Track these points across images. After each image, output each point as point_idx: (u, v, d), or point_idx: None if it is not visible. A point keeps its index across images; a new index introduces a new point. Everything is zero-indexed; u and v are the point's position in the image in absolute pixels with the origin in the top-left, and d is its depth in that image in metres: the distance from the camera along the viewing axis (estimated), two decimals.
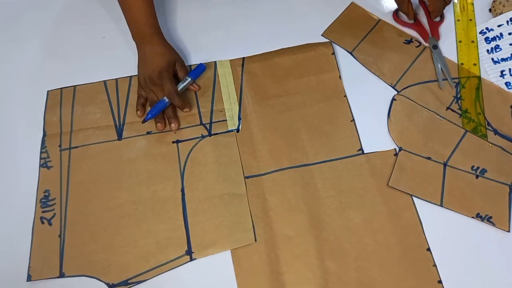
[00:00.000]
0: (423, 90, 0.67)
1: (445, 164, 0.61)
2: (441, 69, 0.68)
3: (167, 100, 0.64)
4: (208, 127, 0.65)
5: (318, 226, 0.57)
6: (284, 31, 0.74)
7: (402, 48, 0.72)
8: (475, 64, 0.69)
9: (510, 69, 0.68)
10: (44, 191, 0.61)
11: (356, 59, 0.71)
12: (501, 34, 0.71)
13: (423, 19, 0.74)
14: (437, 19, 0.74)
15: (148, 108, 0.66)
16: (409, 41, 0.72)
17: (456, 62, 0.70)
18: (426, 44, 0.71)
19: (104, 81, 0.70)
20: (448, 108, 0.66)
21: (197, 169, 0.62)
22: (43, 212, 0.60)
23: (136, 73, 0.69)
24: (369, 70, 0.70)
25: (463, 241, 0.57)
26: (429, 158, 0.62)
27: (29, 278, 0.55)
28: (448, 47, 0.71)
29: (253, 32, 0.74)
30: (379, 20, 0.75)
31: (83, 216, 0.59)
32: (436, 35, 0.72)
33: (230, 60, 0.71)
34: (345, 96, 0.67)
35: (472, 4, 0.75)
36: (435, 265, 0.55)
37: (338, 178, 0.61)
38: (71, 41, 0.75)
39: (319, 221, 0.58)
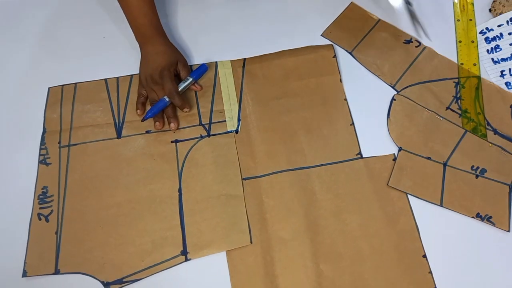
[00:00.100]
0: (423, 90, 0.67)
1: (445, 164, 0.61)
2: (414, 24, 0.69)
3: (167, 99, 0.64)
4: (207, 128, 0.65)
5: (314, 229, 0.57)
6: (284, 31, 0.74)
7: (402, 48, 0.71)
8: (475, 64, 0.69)
9: (510, 69, 0.68)
10: (42, 187, 0.61)
11: (355, 59, 0.71)
12: (501, 34, 0.70)
13: None
14: None
15: (148, 107, 0.66)
16: (409, 41, 0.72)
17: (456, 62, 0.70)
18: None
19: (105, 79, 0.70)
20: (448, 108, 0.65)
21: (195, 170, 0.62)
22: (40, 208, 0.60)
23: (137, 72, 0.69)
24: (369, 70, 0.70)
25: (462, 242, 0.56)
26: (429, 158, 0.61)
27: (24, 274, 0.56)
28: (448, 47, 0.71)
29: (254, 32, 0.74)
30: (379, 20, 0.75)
31: (80, 214, 0.59)
32: None
33: (231, 60, 0.71)
34: (345, 99, 0.67)
35: (472, 4, 0.75)
36: (430, 272, 0.54)
37: (336, 181, 0.60)
38: (72, 40, 0.75)
39: (315, 224, 0.57)
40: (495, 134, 0.63)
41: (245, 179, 0.61)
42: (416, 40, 0.72)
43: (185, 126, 0.66)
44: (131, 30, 0.68)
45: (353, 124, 0.65)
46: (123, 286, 0.55)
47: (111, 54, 0.73)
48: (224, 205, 0.59)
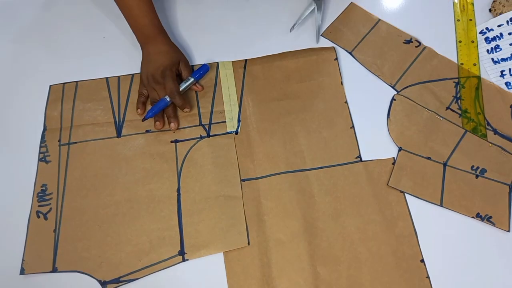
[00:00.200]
0: (422, 90, 0.67)
1: (445, 164, 0.61)
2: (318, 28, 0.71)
3: (168, 99, 0.64)
4: (207, 128, 0.65)
5: (311, 231, 0.57)
6: (285, 31, 0.74)
7: (402, 48, 0.71)
8: (475, 64, 0.69)
9: (510, 69, 0.67)
10: (42, 185, 0.61)
11: (355, 59, 0.71)
12: (501, 34, 0.70)
13: None
14: None
15: (149, 107, 0.66)
16: (409, 41, 0.72)
17: (456, 62, 0.69)
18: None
19: (106, 78, 0.70)
20: (447, 108, 0.65)
21: (194, 170, 0.62)
22: (39, 206, 0.60)
23: (138, 71, 0.69)
24: (369, 70, 0.70)
25: (462, 243, 0.56)
26: (429, 158, 0.61)
27: (22, 272, 0.56)
28: (448, 47, 0.71)
29: (254, 32, 0.74)
30: (379, 20, 0.74)
31: (78, 212, 0.59)
32: None
33: (232, 61, 0.71)
34: (346, 102, 0.66)
35: (472, 4, 0.75)
36: (428, 277, 0.54)
37: (335, 184, 0.60)
38: (74, 39, 0.75)
39: (313, 227, 0.57)
40: (495, 134, 0.63)
41: (243, 180, 0.61)
42: (416, 40, 0.72)
43: (185, 126, 0.65)
44: (131, 30, 0.68)
45: (353, 127, 0.64)
46: (120, 285, 0.55)
47: (112, 53, 0.73)
48: (222, 206, 0.59)
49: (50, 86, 0.70)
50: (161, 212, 0.59)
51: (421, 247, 0.56)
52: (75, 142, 0.64)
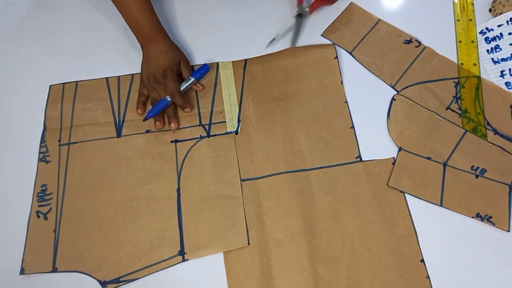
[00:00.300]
0: (422, 90, 0.67)
1: (445, 164, 0.60)
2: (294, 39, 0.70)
3: (169, 99, 0.64)
4: (207, 128, 0.65)
5: (311, 231, 0.56)
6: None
7: (402, 48, 0.71)
8: (475, 64, 0.68)
9: (510, 69, 0.67)
10: (42, 185, 0.61)
11: (355, 59, 0.70)
12: (501, 34, 0.70)
13: None
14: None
15: (149, 107, 0.66)
16: (409, 41, 0.71)
17: (456, 62, 0.69)
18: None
19: (106, 78, 0.70)
20: (447, 108, 0.65)
21: (194, 170, 0.61)
22: (39, 206, 0.60)
23: (139, 71, 0.69)
24: (369, 70, 0.69)
25: (461, 243, 0.56)
26: (429, 158, 0.61)
27: (22, 272, 0.55)
28: (448, 47, 0.70)
29: (254, 32, 0.74)
30: (379, 20, 0.74)
31: (78, 212, 0.59)
32: (311, 9, 0.72)
33: (232, 61, 0.71)
34: (346, 102, 0.66)
35: (472, 4, 0.74)
36: (428, 277, 0.54)
37: (334, 184, 0.60)
38: (74, 39, 0.75)
39: (313, 227, 0.57)
40: (495, 134, 0.63)
41: (243, 180, 0.60)
42: (416, 40, 0.71)
43: (185, 126, 0.65)
44: (131, 30, 0.68)
45: (353, 127, 0.64)
46: (120, 285, 0.54)
47: (112, 54, 0.73)
48: (222, 206, 0.58)
49: (50, 86, 0.69)
50: (161, 212, 0.58)
51: (421, 247, 0.55)
52: (75, 142, 0.64)
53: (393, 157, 0.61)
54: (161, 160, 0.62)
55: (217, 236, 0.57)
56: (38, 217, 0.59)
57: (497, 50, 0.69)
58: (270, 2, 0.77)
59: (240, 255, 0.56)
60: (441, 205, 0.58)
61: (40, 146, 0.64)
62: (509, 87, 0.66)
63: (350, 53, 0.71)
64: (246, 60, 0.71)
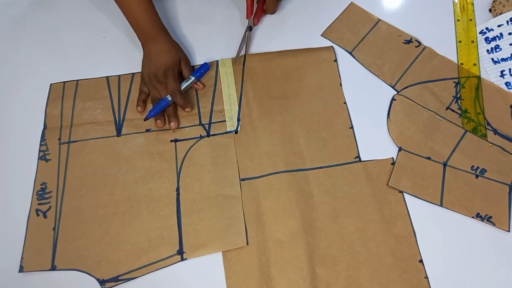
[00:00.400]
0: (422, 90, 0.66)
1: (445, 164, 0.60)
2: (243, 49, 0.70)
3: (169, 98, 0.64)
4: (207, 128, 0.64)
5: (310, 231, 0.56)
6: (285, 30, 0.73)
7: (402, 48, 0.70)
8: (475, 64, 0.68)
9: (510, 69, 0.66)
10: (41, 183, 0.61)
11: (355, 59, 0.70)
12: (501, 34, 0.69)
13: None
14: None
15: (149, 105, 0.66)
16: (409, 41, 0.71)
17: (456, 62, 0.68)
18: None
19: (107, 77, 0.69)
20: (447, 108, 0.64)
21: (194, 169, 0.61)
22: (39, 204, 0.59)
23: (139, 71, 0.68)
24: (369, 70, 0.69)
25: (461, 243, 0.55)
26: (429, 158, 0.60)
27: (21, 269, 0.55)
28: (448, 47, 0.70)
29: (254, 31, 0.73)
30: (379, 20, 0.73)
31: (78, 211, 0.58)
32: (256, 20, 0.72)
33: (232, 58, 0.70)
34: (345, 102, 0.65)
35: (472, 4, 0.74)
36: (426, 277, 0.53)
37: (333, 184, 0.59)
38: (74, 39, 0.75)
39: (312, 227, 0.56)
40: (495, 134, 0.62)
41: (243, 180, 0.60)
42: (416, 40, 0.71)
43: (185, 125, 0.65)
44: (132, 29, 0.67)
45: (352, 127, 0.63)
46: (118, 284, 0.54)
47: (113, 53, 0.73)
48: (222, 206, 0.58)
49: (51, 84, 0.69)
50: (161, 211, 0.58)
51: (420, 247, 0.55)
52: (75, 141, 0.63)
53: (392, 158, 0.61)
54: (161, 160, 0.62)
55: (216, 235, 0.56)
56: (38, 215, 0.58)
57: (497, 50, 0.68)
58: None
59: (239, 255, 0.55)
60: (441, 205, 0.57)
61: (40, 145, 0.64)
62: (509, 87, 0.66)
63: (350, 53, 0.70)
64: (245, 56, 0.70)
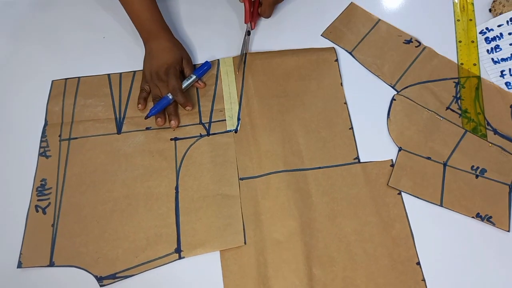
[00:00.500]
0: (422, 90, 0.65)
1: (445, 164, 0.59)
2: (243, 54, 0.69)
3: (170, 97, 0.63)
4: (207, 127, 0.63)
5: (308, 232, 0.55)
6: (285, 30, 0.72)
7: (402, 48, 0.69)
8: (475, 64, 0.67)
9: (510, 69, 0.66)
10: (41, 179, 0.60)
11: (355, 59, 0.69)
12: (501, 34, 0.68)
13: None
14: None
15: (150, 102, 0.65)
16: (409, 41, 0.70)
17: (456, 62, 0.67)
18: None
19: (108, 75, 0.69)
20: (447, 108, 0.63)
21: (193, 168, 0.60)
22: (38, 200, 0.59)
23: (140, 69, 0.68)
24: (369, 70, 0.68)
25: (461, 243, 0.54)
26: (429, 158, 0.60)
27: (19, 265, 0.54)
28: (448, 47, 0.69)
29: (255, 31, 0.73)
30: (379, 20, 0.72)
31: (77, 207, 0.58)
32: (253, 24, 0.71)
33: (233, 57, 0.69)
34: (345, 103, 0.64)
35: (472, 4, 0.73)
36: (423, 280, 0.52)
37: (332, 185, 0.58)
38: (75, 38, 0.74)
39: (310, 227, 0.55)
40: (495, 134, 0.61)
41: (242, 179, 0.59)
42: (416, 40, 0.70)
43: (185, 124, 0.64)
44: (133, 27, 0.67)
45: (352, 128, 0.62)
46: (116, 281, 0.53)
47: (114, 51, 0.72)
48: (220, 205, 0.57)
49: (52, 81, 0.68)
50: (159, 210, 0.57)
51: (418, 249, 0.54)
52: (76, 138, 0.63)
53: (391, 159, 0.60)
54: (161, 158, 0.61)
55: (214, 234, 0.55)
56: (37, 211, 0.58)
57: (497, 50, 0.68)
58: None
59: (236, 254, 0.54)
60: (441, 205, 0.56)
61: (41, 141, 0.63)
62: (509, 87, 0.65)
63: (350, 53, 0.69)
64: (245, 54, 0.69)
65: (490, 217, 0.55)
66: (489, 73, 0.66)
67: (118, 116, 0.65)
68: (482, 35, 0.69)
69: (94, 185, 0.59)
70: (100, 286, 0.53)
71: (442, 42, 0.69)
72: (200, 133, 0.63)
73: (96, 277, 0.53)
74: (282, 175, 0.59)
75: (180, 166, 0.60)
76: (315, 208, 0.57)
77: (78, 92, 0.67)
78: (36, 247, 0.55)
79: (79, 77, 0.68)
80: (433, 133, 0.61)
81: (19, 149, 0.63)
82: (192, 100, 0.65)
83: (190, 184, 0.59)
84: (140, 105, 0.64)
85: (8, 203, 0.59)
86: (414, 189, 0.57)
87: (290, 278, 0.52)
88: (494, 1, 0.71)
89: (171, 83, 0.63)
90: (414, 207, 0.56)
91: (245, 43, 0.69)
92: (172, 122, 0.63)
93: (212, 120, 0.64)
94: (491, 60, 0.67)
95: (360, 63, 0.68)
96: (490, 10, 0.71)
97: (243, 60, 0.69)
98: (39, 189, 0.59)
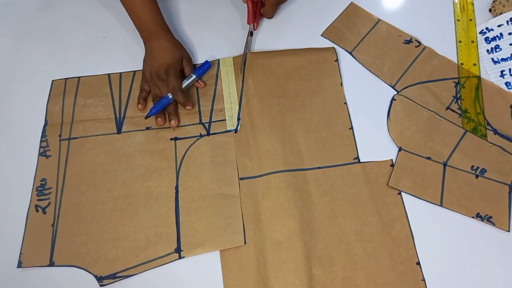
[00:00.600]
0: (423, 90, 0.65)
1: (445, 164, 0.58)
2: (245, 55, 0.68)
3: (170, 96, 0.62)
4: (207, 127, 0.63)
5: (308, 232, 0.54)
6: (285, 30, 0.72)
7: (402, 48, 0.69)
8: (475, 64, 0.66)
9: (510, 69, 0.65)
10: (41, 179, 0.59)
11: (355, 59, 0.68)
12: (501, 34, 0.68)
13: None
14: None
15: (150, 102, 0.64)
16: (409, 41, 0.69)
17: (456, 62, 0.67)
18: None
19: (108, 75, 0.68)
20: (447, 108, 0.63)
21: (193, 168, 0.59)
22: (38, 200, 0.58)
23: (140, 69, 0.67)
24: (369, 70, 0.67)
25: (461, 243, 0.54)
26: (429, 158, 0.59)
27: (19, 265, 0.54)
28: (448, 47, 0.68)
29: (255, 31, 0.72)
30: (379, 20, 0.72)
31: (76, 207, 0.57)
32: (255, 25, 0.70)
33: (233, 57, 0.69)
34: (345, 103, 0.64)
35: (472, 4, 0.72)
36: (423, 280, 0.52)
37: (332, 185, 0.58)
38: (75, 37, 0.73)
39: (310, 227, 0.55)
40: (495, 134, 0.61)
41: (242, 179, 0.58)
42: (416, 40, 0.69)
43: (185, 124, 0.63)
44: (134, 27, 0.66)
45: (352, 128, 0.62)
46: (115, 281, 0.53)
47: (114, 51, 0.71)
48: (220, 205, 0.57)
49: (53, 81, 0.68)
50: (159, 209, 0.57)
51: (418, 249, 0.53)
52: (76, 138, 0.62)
53: (391, 159, 0.59)
54: (161, 158, 0.60)
55: (214, 234, 0.55)
56: (37, 211, 0.57)
57: (497, 50, 0.67)
58: None
59: (236, 254, 0.54)
60: (441, 205, 0.56)
61: (41, 141, 0.62)
62: (509, 87, 0.64)
63: (350, 53, 0.69)
64: (246, 55, 0.68)
65: (490, 217, 0.55)
66: (489, 73, 0.66)
67: (118, 116, 0.64)
68: (482, 35, 0.69)
69: (94, 185, 0.59)
70: (100, 286, 0.52)
71: (442, 42, 0.69)
72: (200, 133, 0.62)
73: (96, 277, 0.53)
74: (282, 175, 0.58)
75: (180, 166, 0.60)
76: (315, 208, 0.56)
77: (78, 92, 0.66)
78: (36, 247, 0.55)
79: (79, 77, 0.68)
80: (433, 133, 0.61)
81: (19, 149, 0.62)
82: (192, 100, 0.65)
83: (190, 184, 0.58)
84: (140, 105, 0.64)
85: (8, 203, 0.58)
86: (414, 189, 0.57)
87: (290, 278, 0.52)
88: (494, 1, 0.70)
89: (171, 82, 0.62)
90: (414, 207, 0.56)
91: (248, 44, 0.68)
92: (172, 122, 0.62)
93: (212, 120, 0.63)
94: (491, 60, 0.67)
95: (360, 63, 0.68)
96: (490, 10, 0.71)
97: (244, 61, 0.68)
98: (39, 189, 0.59)
